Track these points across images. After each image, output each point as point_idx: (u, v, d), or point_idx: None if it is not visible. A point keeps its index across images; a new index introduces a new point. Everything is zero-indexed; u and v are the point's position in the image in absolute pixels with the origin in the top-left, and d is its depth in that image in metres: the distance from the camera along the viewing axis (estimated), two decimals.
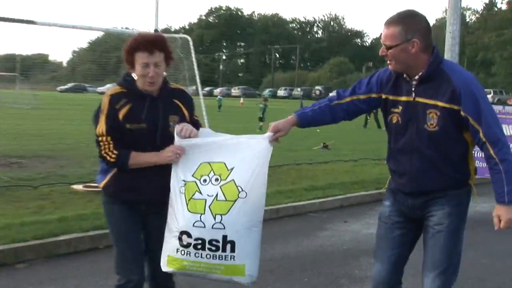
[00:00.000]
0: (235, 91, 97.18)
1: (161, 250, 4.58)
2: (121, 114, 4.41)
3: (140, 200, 4.62)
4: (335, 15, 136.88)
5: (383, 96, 4.40)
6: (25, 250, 7.50)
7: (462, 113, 4.05)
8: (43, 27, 12.94)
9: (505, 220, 4.05)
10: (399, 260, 4.49)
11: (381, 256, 4.51)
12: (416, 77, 4.22)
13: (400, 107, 4.28)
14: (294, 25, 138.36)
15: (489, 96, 66.45)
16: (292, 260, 8.08)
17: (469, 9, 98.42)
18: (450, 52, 15.34)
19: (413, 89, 4.23)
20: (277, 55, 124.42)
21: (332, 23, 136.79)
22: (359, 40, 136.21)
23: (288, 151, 19.62)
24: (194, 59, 16.59)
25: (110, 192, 4.69)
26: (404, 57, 4.15)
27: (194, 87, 18.59)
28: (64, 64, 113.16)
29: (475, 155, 12.04)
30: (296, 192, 11.88)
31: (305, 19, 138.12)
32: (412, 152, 4.25)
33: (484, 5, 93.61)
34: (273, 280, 7.13)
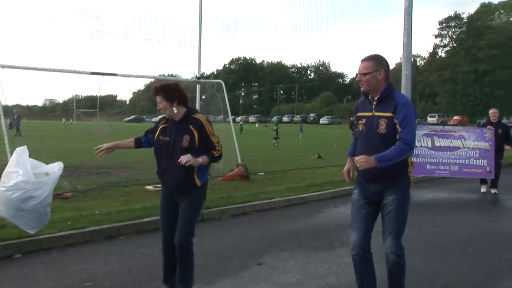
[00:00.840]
0: (251, 118, 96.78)
1: None
2: (158, 130, 5.05)
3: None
4: (323, 61, 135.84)
5: (358, 115, 4.72)
6: (123, 227, 7.93)
7: (394, 119, 4.38)
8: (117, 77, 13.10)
9: (365, 160, 4.31)
10: (367, 229, 4.65)
11: (355, 227, 4.68)
12: (376, 98, 4.53)
13: (364, 120, 4.58)
14: (293, 69, 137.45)
15: (434, 119, 66.29)
16: (300, 232, 8.35)
17: (419, 56, 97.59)
18: (405, 89, 15.79)
19: (373, 106, 4.54)
20: (281, 92, 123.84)
21: (320, 68, 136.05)
22: (340, 79, 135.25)
23: (294, 160, 20.22)
24: (226, 97, 16.58)
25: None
26: (373, 82, 4.48)
27: (221, 116, 18.42)
28: (127, 102, 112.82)
29: (420, 153, 12.62)
30: (301, 188, 12.18)
31: (301, 64, 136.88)
32: (370, 151, 4.40)
33: (429, 53, 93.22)
34: (288, 245, 7.45)
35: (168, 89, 4.92)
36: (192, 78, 16.59)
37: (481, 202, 12.19)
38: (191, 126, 4.86)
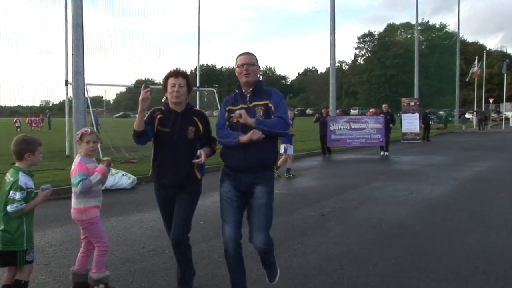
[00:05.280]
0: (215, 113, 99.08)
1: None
2: (156, 120, 3.99)
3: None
4: (269, 66, 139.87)
5: (229, 108, 3.85)
6: None
7: (270, 104, 3.76)
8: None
9: (244, 117, 3.60)
10: (240, 223, 3.80)
11: (228, 220, 3.76)
12: (249, 90, 3.82)
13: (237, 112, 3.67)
14: None
15: (356, 111, 70.59)
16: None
17: (344, 62, 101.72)
18: (331, 92, 21.08)
19: (247, 99, 3.80)
20: (237, 91, 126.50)
21: (267, 71, 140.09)
22: (284, 80, 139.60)
23: None
24: (218, 101, 20.56)
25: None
26: (256, 74, 3.84)
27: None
28: (111, 101, 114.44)
29: (342, 132, 17.87)
30: None
31: None
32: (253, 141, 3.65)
33: (351, 60, 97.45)
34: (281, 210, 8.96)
35: (189, 78, 4.05)
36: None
37: (379, 159, 17.15)
38: (195, 118, 4.01)
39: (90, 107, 16.39)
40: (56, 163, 13.53)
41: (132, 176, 10.46)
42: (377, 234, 6.25)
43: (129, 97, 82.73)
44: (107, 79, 25.75)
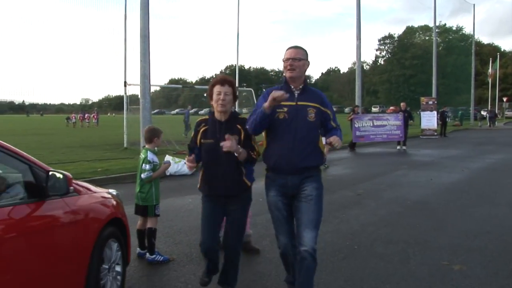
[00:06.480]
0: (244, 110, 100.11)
1: None
2: (199, 134, 3.67)
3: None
4: None
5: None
6: None
7: (323, 109, 3.46)
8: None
9: (337, 140, 3.34)
10: (293, 232, 3.48)
11: (282, 231, 3.49)
12: (299, 87, 3.47)
13: (286, 108, 3.38)
14: (273, 73, 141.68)
15: (376, 109, 71.01)
16: None
17: (365, 62, 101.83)
18: (358, 92, 22.18)
19: (296, 96, 3.42)
20: (263, 90, 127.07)
21: None
22: (308, 80, 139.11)
23: None
24: (255, 100, 20.54)
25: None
26: (303, 70, 3.46)
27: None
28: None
29: (366, 129, 18.97)
30: None
31: (278, 69, 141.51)
32: (300, 139, 3.41)
33: (372, 61, 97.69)
34: None
35: (235, 85, 3.74)
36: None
37: (397, 153, 18.27)
38: (239, 126, 3.62)
39: (126, 104, 18.11)
40: (117, 153, 15.02)
41: None
42: (404, 208, 7.49)
43: (163, 95, 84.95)
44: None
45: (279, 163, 3.40)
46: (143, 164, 4.91)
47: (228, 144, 3.39)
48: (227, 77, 3.70)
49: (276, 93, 3.19)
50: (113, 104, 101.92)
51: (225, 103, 3.58)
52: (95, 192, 3.55)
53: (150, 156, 4.94)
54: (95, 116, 46.38)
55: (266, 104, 3.25)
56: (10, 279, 2.43)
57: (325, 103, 3.50)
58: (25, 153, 2.84)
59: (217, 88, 3.61)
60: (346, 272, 4.51)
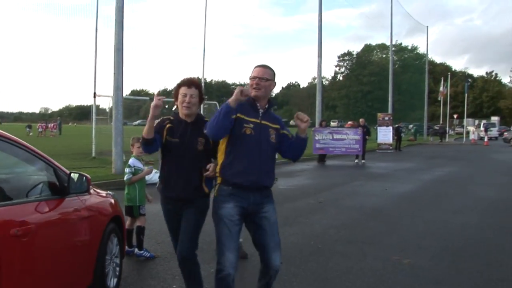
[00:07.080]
0: None
1: None
2: (165, 130, 3.52)
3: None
4: None
5: (240, 116, 3.26)
6: None
7: (282, 131, 3.42)
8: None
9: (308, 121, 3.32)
10: (237, 249, 3.32)
11: (229, 248, 3.22)
12: (264, 107, 3.37)
13: (252, 125, 3.28)
14: (234, 86, 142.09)
15: (335, 123, 72.48)
16: None
17: (324, 77, 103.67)
18: (318, 107, 23.12)
19: (260, 114, 3.32)
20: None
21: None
22: None
23: None
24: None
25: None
26: (268, 91, 3.38)
27: None
28: (107, 109, 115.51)
29: (326, 142, 19.89)
30: None
31: (239, 82, 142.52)
32: (266, 158, 3.38)
33: (331, 77, 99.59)
34: None
35: (201, 88, 3.64)
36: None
37: (355, 166, 19.29)
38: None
39: (94, 115, 18.57)
40: (86, 162, 15.34)
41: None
42: (361, 214, 8.27)
43: (125, 106, 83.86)
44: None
45: (246, 180, 3.24)
46: (126, 168, 5.58)
47: (211, 169, 3.40)
48: (193, 79, 3.65)
49: (243, 88, 3.23)
50: (74, 113, 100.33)
51: (191, 105, 3.52)
52: (100, 192, 4.09)
53: (131, 161, 5.58)
54: (55, 126, 45.71)
55: (231, 98, 3.17)
56: (42, 262, 2.91)
57: (283, 127, 3.48)
58: (50, 157, 3.36)
59: (183, 90, 3.54)
60: (312, 266, 5.17)
